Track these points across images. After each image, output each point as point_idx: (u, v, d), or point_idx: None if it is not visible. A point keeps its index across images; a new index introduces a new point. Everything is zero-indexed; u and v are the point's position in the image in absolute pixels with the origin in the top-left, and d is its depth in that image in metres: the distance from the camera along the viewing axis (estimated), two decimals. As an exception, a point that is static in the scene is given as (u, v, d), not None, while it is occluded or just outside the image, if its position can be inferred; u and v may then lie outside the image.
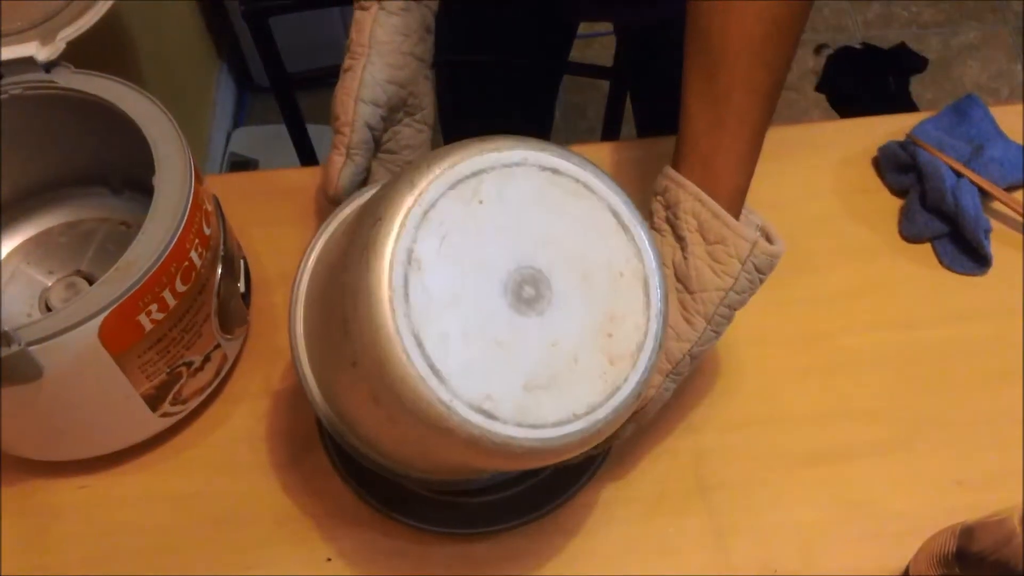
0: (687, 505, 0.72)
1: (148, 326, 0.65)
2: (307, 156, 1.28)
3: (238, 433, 0.77)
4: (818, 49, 2.18)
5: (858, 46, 2.20)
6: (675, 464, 0.73)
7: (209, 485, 0.74)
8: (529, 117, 1.25)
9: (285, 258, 0.85)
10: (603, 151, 0.90)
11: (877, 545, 0.70)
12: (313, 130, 1.26)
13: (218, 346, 0.74)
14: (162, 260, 0.64)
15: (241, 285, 0.78)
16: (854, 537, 0.70)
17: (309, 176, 0.90)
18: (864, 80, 2.14)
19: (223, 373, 0.76)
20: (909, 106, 2.08)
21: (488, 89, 1.16)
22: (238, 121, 2.08)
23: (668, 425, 0.75)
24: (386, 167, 0.75)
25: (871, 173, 0.88)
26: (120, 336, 0.64)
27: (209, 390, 0.75)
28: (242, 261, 0.79)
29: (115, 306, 0.62)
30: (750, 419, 0.75)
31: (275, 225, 0.87)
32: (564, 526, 0.71)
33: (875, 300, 0.81)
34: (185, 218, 0.66)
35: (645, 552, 0.70)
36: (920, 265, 0.83)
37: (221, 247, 0.73)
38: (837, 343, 0.79)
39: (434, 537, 0.71)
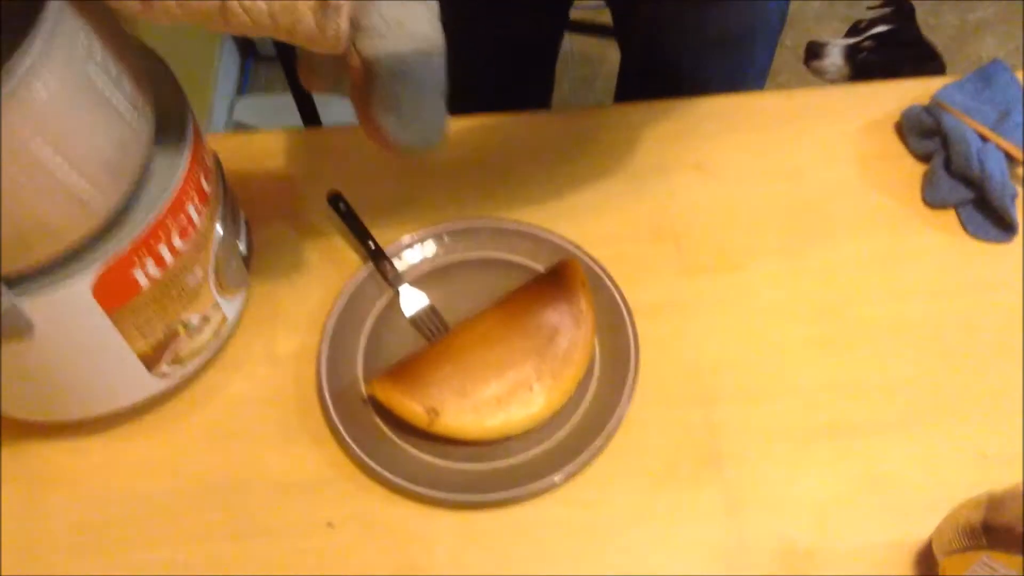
0: (699, 477, 0.69)
1: (144, 283, 0.63)
2: (312, 125, 1.25)
3: (237, 399, 0.74)
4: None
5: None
6: (687, 436, 0.71)
7: (207, 451, 0.72)
8: (528, 88, 1.22)
9: (287, 221, 0.83)
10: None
11: (897, 518, 0.67)
12: (319, 100, 1.23)
13: (217, 307, 0.71)
14: (159, 215, 0.62)
15: (242, 246, 0.75)
16: (873, 510, 0.68)
17: (315, 138, 0.88)
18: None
19: (223, 336, 0.74)
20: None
21: (486, 60, 1.12)
22: (241, 90, 2.05)
23: (681, 396, 0.73)
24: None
25: (893, 138, 0.85)
26: (114, 292, 0.61)
27: (208, 353, 0.73)
28: (243, 221, 0.77)
29: (109, 261, 0.60)
30: (765, 391, 0.73)
31: (278, 187, 0.85)
32: (572, 497, 0.69)
33: (896, 269, 0.78)
34: (184, 173, 0.64)
35: (655, 524, 0.68)
36: (944, 233, 0.80)
37: (221, 205, 0.71)
38: (856, 313, 0.76)
39: (437, 504, 0.69)
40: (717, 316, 0.76)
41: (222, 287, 0.71)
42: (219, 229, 0.70)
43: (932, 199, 0.80)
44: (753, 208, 0.82)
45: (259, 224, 0.81)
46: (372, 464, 0.69)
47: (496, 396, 0.71)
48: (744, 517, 0.68)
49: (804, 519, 0.68)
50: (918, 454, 0.70)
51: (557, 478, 0.68)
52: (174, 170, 0.63)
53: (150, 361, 0.68)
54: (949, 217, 0.81)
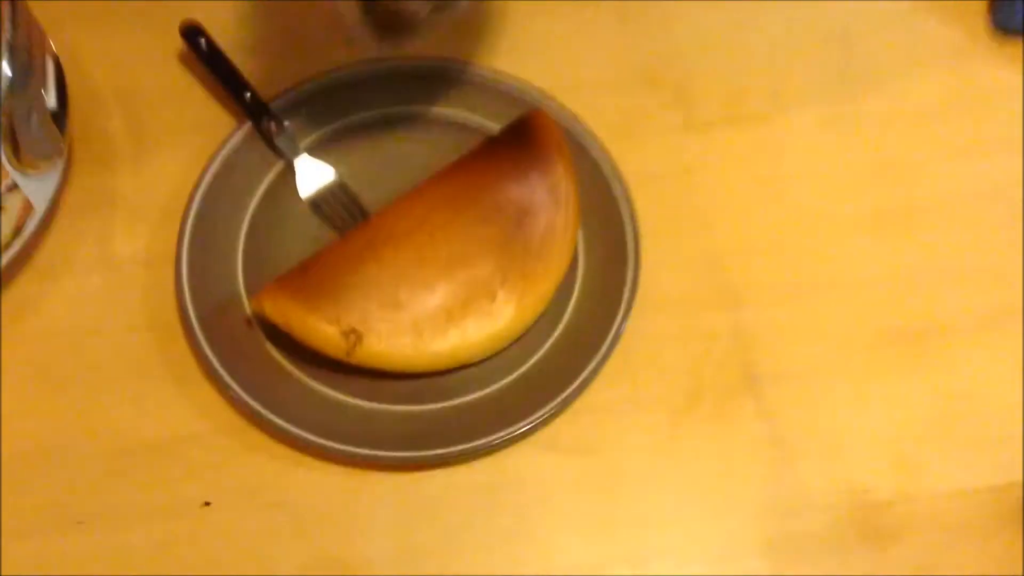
0: (731, 405, 0.50)
1: None
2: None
3: (58, 325, 0.51)
4: None
5: None
6: (710, 351, 0.51)
7: (18, 405, 0.49)
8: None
9: (122, 70, 0.58)
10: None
11: (995, 454, 0.50)
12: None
13: (15, 188, 0.47)
14: None
15: (50, 97, 0.50)
16: (959, 442, 0.50)
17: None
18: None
19: (28, 231, 0.50)
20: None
21: None
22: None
23: (696, 298, 0.53)
24: None
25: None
26: None
27: (9, 254, 0.49)
28: (51, 62, 0.51)
29: None
30: (807, 285, 0.53)
31: (105, 24, 0.59)
32: (559, 443, 0.49)
33: (967, 118, 0.59)
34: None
35: (677, 472, 0.48)
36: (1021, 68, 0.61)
37: (7, 34, 0.46)
38: (919, 176, 0.57)
39: (363, 466, 0.48)
40: (736, 187, 0.56)
41: (20, 158, 0.47)
42: (5, 68, 0.45)
43: (1005, 24, 0.61)
44: (776, 40, 0.60)
45: (77, 69, 0.55)
46: (265, 413, 0.47)
47: (444, 307, 0.49)
48: (794, 459, 0.49)
49: (874, 457, 0.49)
50: (1012, 365, 0.52)
51: (536, 418, 0.48)
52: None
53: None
54: None
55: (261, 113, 0.55)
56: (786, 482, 0.48)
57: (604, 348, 0.50)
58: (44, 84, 0.50)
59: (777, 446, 0.49)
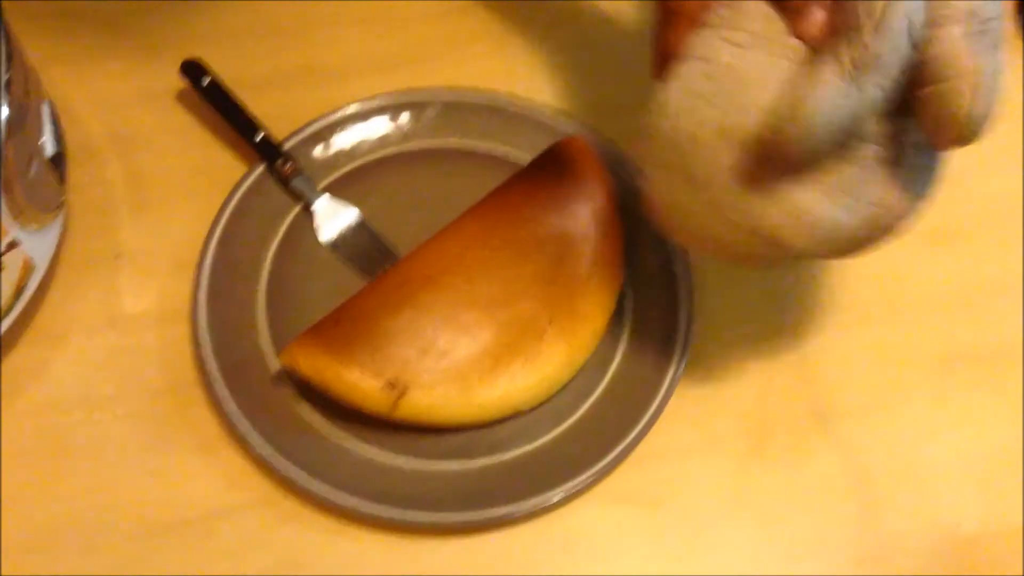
0: (802, 444, 0.46)
1: None
2: None
3: (66, 392, 0.46)
4: None
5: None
6: (774, 384, 0.48)
7: (23, 484, 0.44)
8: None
9: (118, 113, 0.54)
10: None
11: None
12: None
13: (14, 244, 0.43)
14: None
15: (47, 143, 0.46)
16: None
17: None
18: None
19: (29, 291, 0.45)
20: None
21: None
22: None
23: (759, 323, 0.49)
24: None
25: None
26: None
27: (9, 319, 0.44)
28: (47, 108, 0.47)
29: None
30: (871, 308, 0.50)
31: (97, 65, 0.55)
32: (621, 493, 0.45)
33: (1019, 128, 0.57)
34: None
35: (751, 520, 0.45)
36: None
37: (3, 72, 0.42)
38: (973, 189, 0.54)
39: (414, 532, 0.43)
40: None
41: (19, 211, 0.42)
42: (4, 108, 0.41)
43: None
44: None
45: (69, 114, 0.51)
46: (302, 479, 0.43)
47: (489, 352, 0.45)
48: (876, 498, 0.45)
49: (959, 489, 0.46)
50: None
51: (600, 468, 0.44)
52: None
53: None
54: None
55: (274, 154, 0.51)
56: (870, 524, 0.45)
57: (664, 387, 0.46)
58: (42, 130, 0.46)
59: (856, 485, 0.45)
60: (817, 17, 0.35)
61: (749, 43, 0.36)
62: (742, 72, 0.36)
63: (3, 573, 0.42)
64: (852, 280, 0.51)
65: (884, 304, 0.51)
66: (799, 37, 0.36)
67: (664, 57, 0.38)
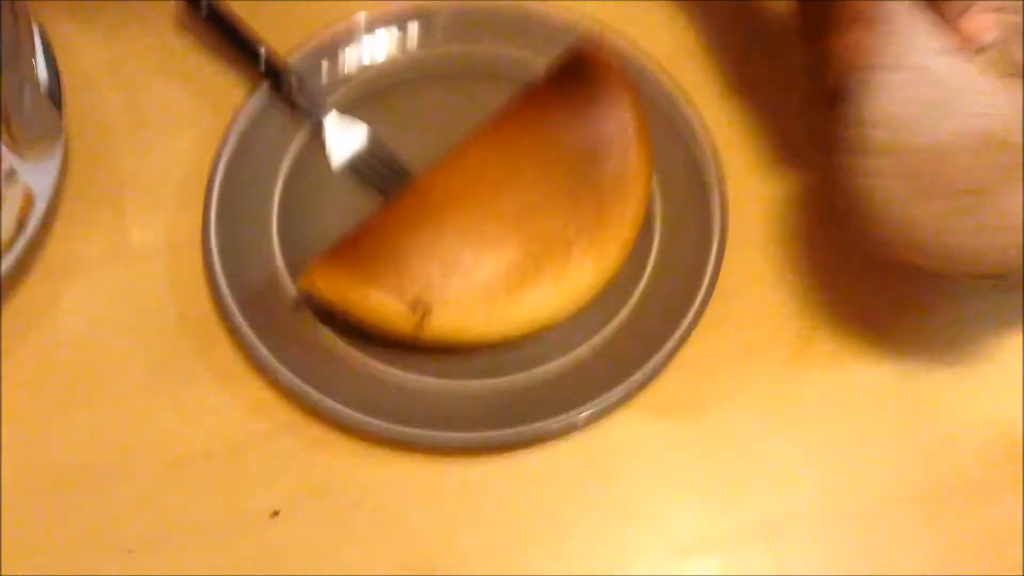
0: (848, 343, 0.44)
1: None
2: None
3: (78, 329, 0.44)
4: None
5: None
6: (818, 285, 0.46)
7: (41, 422, 0.42)
8: None
9: (113, 40, 0.52)
10: None
11: None
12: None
13: (13, 174, 0.41)
14: None
15: (40, 69, 0.44)
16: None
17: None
18: None
19: (32, 225, 0.43)
20: None
21: None
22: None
23: (795, 227, 0.47)
24: None
25: None
26: None
27: (13, 254, 0.43)
28: (35, 29, 0.45)
29: None
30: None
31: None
32: (665, 405, 0.43)
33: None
34: None
35: (799, 425, 0.43)
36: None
37: (-13, -7, 0.39)
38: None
39: (445, 453, 0.42)
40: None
41: (15, 140, 0.40)
42: (-11, 33, 0.39)
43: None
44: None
45: (62, 43, 0.49)
46: (329, 403, 0.41)
47: (516, 266, 0.43)
48: (929, 395, 0.43)
49: (1018, 384, 0.44)
50: None
51: (635, 380, 0.42)
52: None
53: None
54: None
55: (278, 71, 0.48)
56: (924, 423, 0.43)
57: (702, 293, 0.44)
58: (34, 54, 0.43)
59: (908, 382, 0.44)
60: (983, 20, 0.36)
61: (945, 49, 0.36)
62: (955, 77, 0.36)
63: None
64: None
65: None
66: (966, 38, 0.37)
67: (847, 65, 0.37)
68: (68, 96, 0.47)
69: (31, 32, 0.44)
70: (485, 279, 0.43)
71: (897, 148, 0.37)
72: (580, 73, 0.47)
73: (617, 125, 0.46)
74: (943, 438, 0.43)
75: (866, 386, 0.44)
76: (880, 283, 0.46)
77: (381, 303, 0.42)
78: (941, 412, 0.43)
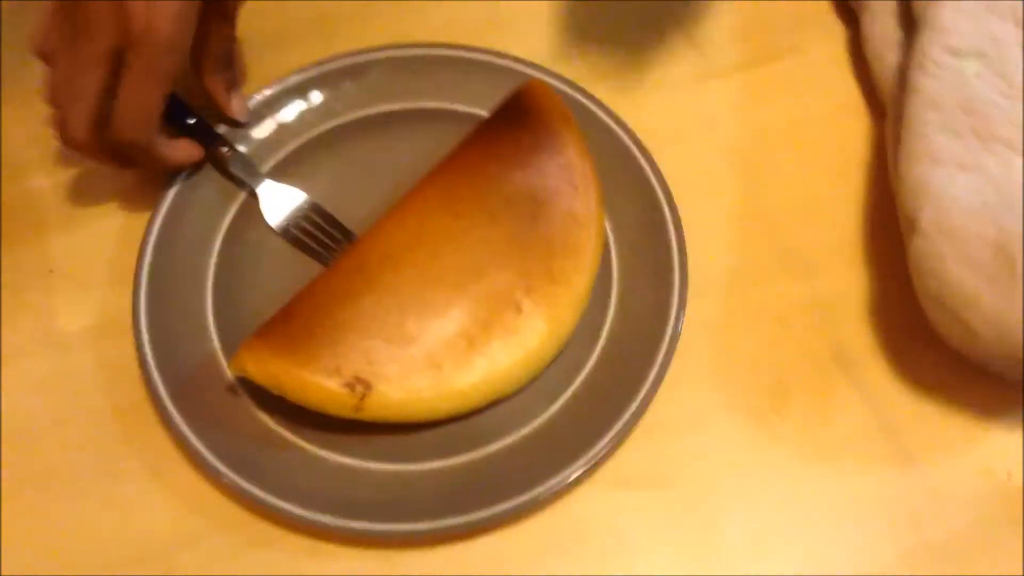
0: (826, 396, 0.41)
1: None
2: None
3: (6, 423, 0.42)
4: None
5: None
6: (788, 332, 0.43)
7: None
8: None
9: (38, 121, 0.49)
10: None
11: None
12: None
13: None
14: None
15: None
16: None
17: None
18: None
19: (-54, 323, 0.41)
20: None
21: None
22: None
23: (758, 267, 0.44)
24: None
25: None
26: None
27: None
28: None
29: None
30: (886, 240, 0.45)
31: (7, 66, 0.50)
32: (632, 475, 0.40)
33: None
34: None
35: (780, 486, 0.40)
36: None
37: None
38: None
39: (399, 544, 0.39)
40: (770, 131, 0.47)
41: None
42: None
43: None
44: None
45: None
46: (267, 498, 0.38)
47: (462, 332, 0.40)
48: (915, 449, 0.40)
49: (1007, 435, 0.41)
50: None
51: (598, 450, 0.39)
52: None
53: None
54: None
55: (210, 138, 0.46)
56: (913, 479, 0.40)
57: (663, 349, 0.41)
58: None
59: (891, 437, 0.40)
60: None
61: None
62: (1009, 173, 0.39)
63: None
64: (857, 207, 0.45)
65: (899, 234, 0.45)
66: None
67: None
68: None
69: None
70: (429, 349, 0.40)
71: (969, 248, 0.39)
72: (522, 119, 0.44)
73: (563, 172, 0.43)
74: (933, 493, 0.39)
75: (848, 441, 0.40)
76: (858, 327, 0.43)
77: (317, 385, 0.39)
78: (928, 465, 0.40)
